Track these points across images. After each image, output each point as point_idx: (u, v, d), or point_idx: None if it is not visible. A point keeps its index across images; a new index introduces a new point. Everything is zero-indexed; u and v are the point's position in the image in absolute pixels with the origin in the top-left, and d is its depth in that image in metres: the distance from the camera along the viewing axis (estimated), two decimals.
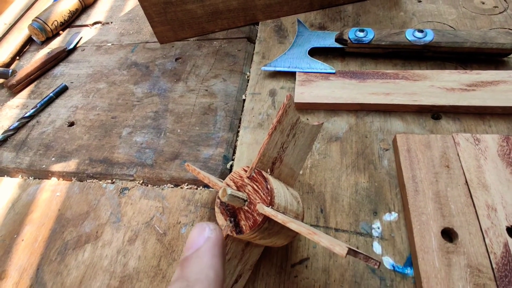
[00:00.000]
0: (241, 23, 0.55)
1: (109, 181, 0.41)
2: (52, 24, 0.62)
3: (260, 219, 0.23)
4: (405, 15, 0.51)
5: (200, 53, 0.54)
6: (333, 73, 0.43)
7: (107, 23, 0.65)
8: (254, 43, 0.53)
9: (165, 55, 0.55)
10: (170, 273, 0.32)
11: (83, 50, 0.60)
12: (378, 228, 0.32)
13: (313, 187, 0.35)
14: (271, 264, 0.31)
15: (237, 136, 0.42)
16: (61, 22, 0.64)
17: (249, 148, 0.40)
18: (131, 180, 0.41)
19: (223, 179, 0.29)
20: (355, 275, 0.29)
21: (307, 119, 0.41)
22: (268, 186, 0.24)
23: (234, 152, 0.41)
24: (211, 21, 0.54)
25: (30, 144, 0.47)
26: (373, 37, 0.43)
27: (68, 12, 0.65)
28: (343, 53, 0.47)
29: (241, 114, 0.44)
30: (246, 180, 0.26)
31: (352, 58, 0.47)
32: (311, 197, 0.35)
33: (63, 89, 0.53)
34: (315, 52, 0.47)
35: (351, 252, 0.18)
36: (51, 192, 0.41)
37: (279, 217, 0.22)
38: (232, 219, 0.25)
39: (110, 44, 0.60)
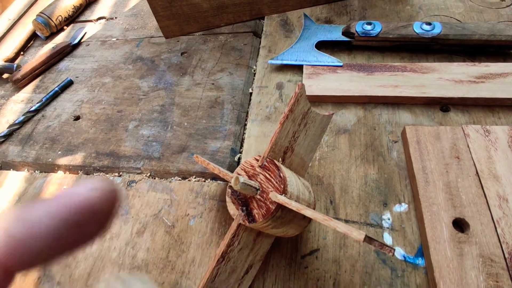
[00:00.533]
0: (247, 17, 0.55)
1: (116, 174, 0.41)
2: (57, 19, 0.62)
3: (273, 207, 0.23)
4: (412, 8, 0.51)
5: (206, 48, 0.53)
6: (341, 66, 0.43)
7: (112, 19, 0.65)
8: (260, 38, 0.53)
9: (170, 50, 0.55)
10: (179, 265, 0.32)
11: (88, 45, 0.60)
12: (388, 219, 0.32)
13: (322, 179, 0.35)
14: (281, 255, 0.31)
15: (245, 129, 0.42)
16: (65, 17, 0.64)
17: (257, 140, 0.40)
18: (138, 173, 0.40)
19: (232, 172, 0.29)
20: (366, 265, 0.29)
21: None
22: (281, 175, 0.24)
23: (241, 145, 0.41)
24: (216, 15, 0.54)
25: (36, 138, 0.47)
26: (381, 30, 0.43)
27: (73, 7, 0.65)
28: (350, 46, 0.47)
29: (248, 107, 0.44)
30: (258, 169, 0.25)
31: (359, 52, 0.46)
32: (320, 189, 0.35)
33: (68, 84, 0.53)
34: (321, 46, 0.47)
35: (367, 238, 0.18)
36: (58, 185, 0.41)
37: (293, 205, 0.22)
38: (244, 208, 0.25)
39: (115, 39, 0.60)
